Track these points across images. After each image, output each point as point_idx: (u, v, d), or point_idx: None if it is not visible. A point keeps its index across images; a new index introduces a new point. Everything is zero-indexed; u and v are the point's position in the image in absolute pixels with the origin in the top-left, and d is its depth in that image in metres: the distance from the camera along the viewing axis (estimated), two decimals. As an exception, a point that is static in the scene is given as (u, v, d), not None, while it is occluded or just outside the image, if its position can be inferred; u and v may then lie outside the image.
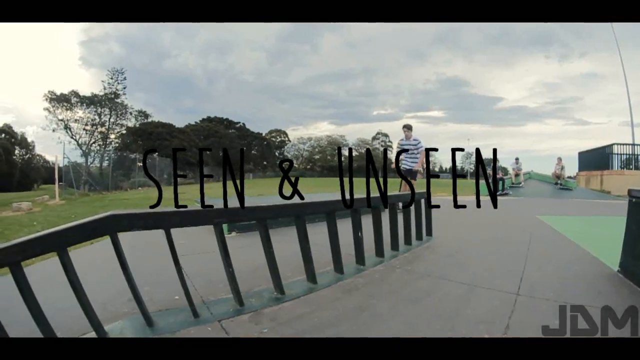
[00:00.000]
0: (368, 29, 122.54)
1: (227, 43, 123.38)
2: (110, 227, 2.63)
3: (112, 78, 55.49)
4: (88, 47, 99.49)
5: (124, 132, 57.88)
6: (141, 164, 42.67)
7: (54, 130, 52.42)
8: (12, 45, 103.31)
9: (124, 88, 56.69)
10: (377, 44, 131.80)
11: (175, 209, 2.97)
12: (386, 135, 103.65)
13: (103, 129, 55.38)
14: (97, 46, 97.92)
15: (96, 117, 54.00)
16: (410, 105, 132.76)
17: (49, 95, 51.91)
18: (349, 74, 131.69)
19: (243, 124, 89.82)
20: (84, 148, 51.78)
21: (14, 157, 62.63)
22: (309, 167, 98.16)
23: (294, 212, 3.78)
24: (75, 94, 53.03)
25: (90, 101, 53.29)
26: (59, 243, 2.44)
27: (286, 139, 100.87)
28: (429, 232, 5.98)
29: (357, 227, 4.30)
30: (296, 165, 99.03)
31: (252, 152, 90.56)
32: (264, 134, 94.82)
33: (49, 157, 74.00)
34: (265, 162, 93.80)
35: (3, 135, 60.76)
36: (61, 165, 27.07)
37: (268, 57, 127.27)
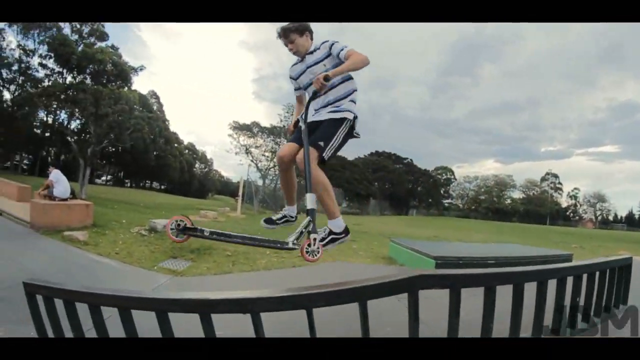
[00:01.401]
0: (527, 55, 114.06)
1: (389, 79, 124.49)
2: (416, 285, 2.35)
3: (287, 112, 57.87)
4: (260, 84, 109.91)
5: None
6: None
7: (236, 154, 56.96)
8: (192, 80, 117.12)
9: (295, 122, 59.34)
10: (538, 71, 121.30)
11: (472, 271, 2.62)
12: (556, 177, 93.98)
13: None
14: (267, 83, 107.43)
15: (275, 145, 57.23)
16: (580, 140, 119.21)
17: (233, 124, 57.06)
18: (513, 105, 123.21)
19: (411, 160, 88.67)
20: (262, 172, 55.28)
21: (194, 169, 76.77)
22: (473, 207, 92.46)
23: (518, 280, 2.87)
24: (256, 124, 57.76)
25: (270, 132, 57.21)
26: (361, 296, 2.27)
27: (452, 176, 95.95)
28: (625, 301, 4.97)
29: (576, 293, 3.57)
30: (460, 206, 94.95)
31: (418, 188, 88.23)
32: (430, 171, 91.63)
33: (224, 173, 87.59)
34: (430, 200, 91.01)
35: (187, 151, 72.75)
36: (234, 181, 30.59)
37: (430, 92, 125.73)
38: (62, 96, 37.64)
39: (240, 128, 56.79)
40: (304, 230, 3.57)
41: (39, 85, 43.36)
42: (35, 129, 52.30)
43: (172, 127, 66.29)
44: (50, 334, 2.59)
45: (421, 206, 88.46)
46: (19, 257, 8.32)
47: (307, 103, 3.89)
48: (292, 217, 4.26)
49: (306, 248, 3.48)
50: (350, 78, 3.98)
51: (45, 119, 53.33)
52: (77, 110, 36.53)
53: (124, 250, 10.09)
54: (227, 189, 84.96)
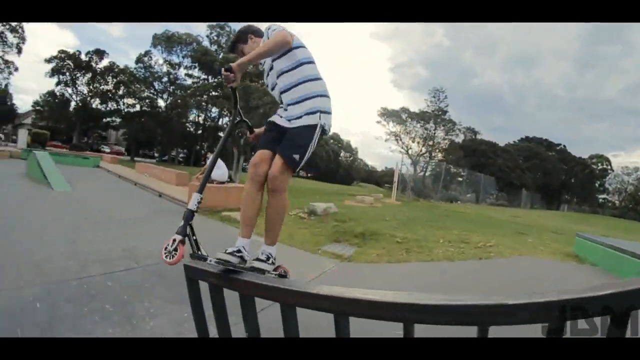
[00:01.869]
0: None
1: (529, 54, 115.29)
2: None
3: (434, 97, 57.65)
4: (397, 72, 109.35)
5: (447, 147, 59.39)
6: (461, 179, 43.75)
7: (386, 140, 58.60)
8: (330, 75, 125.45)
9: (446, 106, 58.12)
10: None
11: None
12: None
13: (431, 142, 58.20)
14: (404, 70, 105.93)
15: (424, 131, 57.21)
16: None
17: (382, 111, 58.03)
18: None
19: (564, 146, 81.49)
20: (413, 158, 54.91)
21: (340, 158, 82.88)
22: (630, 205, 77.86)
23: None
24: (405, 110, 57.83)
25: (420, 117, 56.65)
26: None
27: (608, 167, 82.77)
28: None
29: None
30: (617, 203, 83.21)
31: (572, 180, 79.22)
32: (584, 159, 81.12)
33: (368, 162, 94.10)
34: (585, 194, 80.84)
35: (331, 141, 77.65)
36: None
37: (576, 66, 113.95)
38: (213, 93, 44.25)
39: (389, 114, 57.20)
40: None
41: (188, 91, 53.04)
42: (188, 128, 61.00)
43: (317, 119, 70.73)
44: (213, 328, 2.60)
45: (573, 201, 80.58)
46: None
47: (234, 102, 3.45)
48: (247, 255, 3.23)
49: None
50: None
51: (196, 119, 61.37)
52: (225, 108, 41.21)
53: (284, 232, 9.73)
54: (372, 177, 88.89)
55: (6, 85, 53.39)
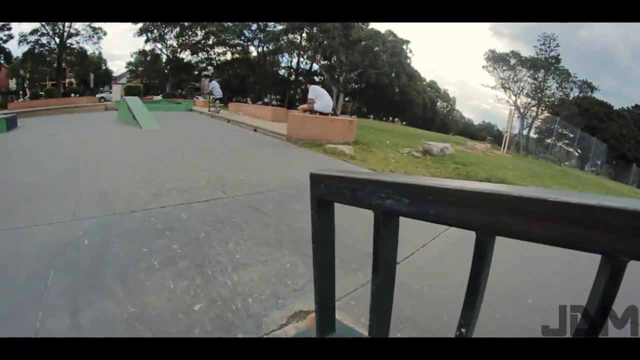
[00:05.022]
0: None
1: None
2: None
3: (543, 43, 51.35)
4: None
5: (557, 102, 52.86)
6: (568, 141, 41.94)
7: (492, 88, 54.80)
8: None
9: (558, 55, 51.37)
10: None
11: None
12: None
13: (540, 95, 52.83)
14: None
15: (533, 81, 52.06)
16: None
17: (488, 54, 54.20)
18: None
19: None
20: (521, 110, 51.13)
21: (437, 107, 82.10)
22: None
23: None
24: (515, 54, 52.64)
25: (532, 64, 51.14)
26: None
27: None
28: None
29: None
30: None
31: None
32: None
33: (464, 114, 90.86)
34: None
35: (429, 89, 76.62)
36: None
37: None
38: (307, 31, 45.50)
39: (496, 59, 53.11)
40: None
41: (279, 39, 54.02)
42: (281, 75, 62.40)
43: (413, 65, 68.03)
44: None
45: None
46: (290, 165, 8.14)
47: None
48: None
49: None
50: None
51: (289, 63, 61.99)
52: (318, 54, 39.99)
53: (399, 169, 9.13)
54: (467, 130, 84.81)
55: (100, 53, 57.02)
